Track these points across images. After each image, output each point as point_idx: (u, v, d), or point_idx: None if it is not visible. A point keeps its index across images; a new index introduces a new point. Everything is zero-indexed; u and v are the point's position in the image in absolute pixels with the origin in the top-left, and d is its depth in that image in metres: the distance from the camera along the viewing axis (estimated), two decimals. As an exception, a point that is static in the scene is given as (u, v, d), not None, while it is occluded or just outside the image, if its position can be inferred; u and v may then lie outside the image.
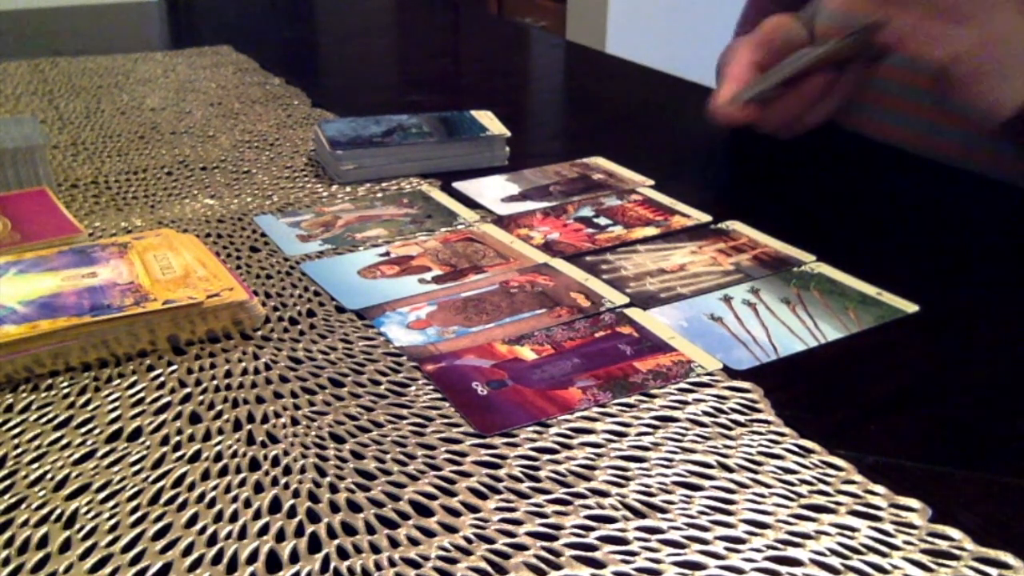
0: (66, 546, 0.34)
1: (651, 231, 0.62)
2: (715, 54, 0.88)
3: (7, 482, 0.37)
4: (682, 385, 0.44)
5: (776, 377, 0.45)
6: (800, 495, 0.37)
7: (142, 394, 0.43)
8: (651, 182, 0.71)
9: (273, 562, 0.33)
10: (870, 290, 0.53)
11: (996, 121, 0.62)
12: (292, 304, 0.52)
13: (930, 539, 0.34)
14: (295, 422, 0.41)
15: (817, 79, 0.68)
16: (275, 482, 0.37)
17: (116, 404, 0.43)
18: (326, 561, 0.33)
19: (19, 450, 0.39)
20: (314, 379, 0.45)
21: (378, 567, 0.33)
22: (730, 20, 0.98)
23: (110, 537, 0.34)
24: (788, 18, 0.72)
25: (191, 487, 0.37)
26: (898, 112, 0.81)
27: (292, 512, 0.36)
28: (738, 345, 0.47)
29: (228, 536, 0.34)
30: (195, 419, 0.42)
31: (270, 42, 1.23)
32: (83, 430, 0.41)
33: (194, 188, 0.69)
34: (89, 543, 0.34)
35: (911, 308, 0.51)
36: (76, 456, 0.39)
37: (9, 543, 0.34)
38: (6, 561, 0.33)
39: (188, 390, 0.44)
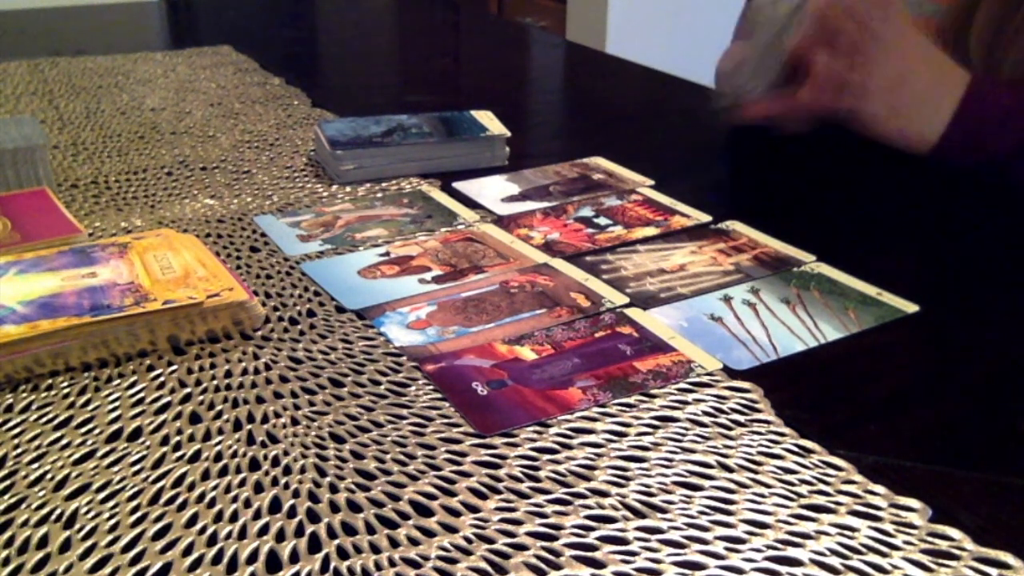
0: (66, 546, 0.34)
1: (651, 231, 0.62)
2: (715, 54, 0.88)
3: (7, 482, 0.37)
4: (682, 385, 0.44)
5: (776, 377, 0.45)
6: (800, 495, 0.37)
7: (142, 394, 0.43)
8: (651, 182, 0.71)
9: (273, 562, 0.33)
10: (870, 290, 0.53)
11: (918, 153, 0.65)
12: (292, 304, 0.52)
13: (930, 539, 0.34)
14: (295, 422, 0.41)
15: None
16: (275, 482, 0.37)
17: (116, 404, 0.43)
18: (326, 561, 0.33)
19: (19, 450, 0.39)
20: (314, 379, 0.45)
21: (378, 567, 0.33)
22: (729, 21, 0.98)
23: (110, 537, 0.34)
24: None
25: (191, 487, 0.37)
26: None
27: (292, 512, 0.36)
28: (738, 345, 0.47)
29: (228, 536, 0.34)
30: (195, 419, 0.42)
31: (270, 42, 1.23)
32: (83, 430, 0.41)
33: (194, 188, 0.69)
34: (89, 543, 0.34)
35: (911, 308, 0.51)
36: (76, 456, 0.39)
37: (9, 543, 0.34)
38: (6, 561, 0.33)
39: (188, 390, 0.44)
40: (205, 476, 0.38)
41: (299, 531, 0.35)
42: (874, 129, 0.66)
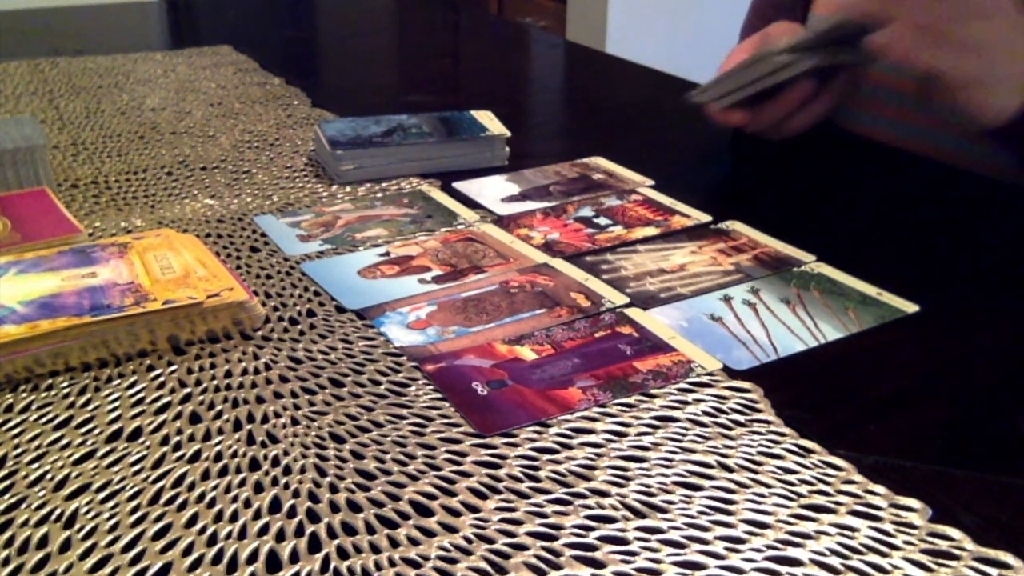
0: (66, 546, 0.34)
1: (651, 231, 0.62)
2: (715, 54, 0.88)
3: (7, 482, 0.37)
4: (682, 385, 0.44)
5: (776, 377, 0.45)
6: (800, 495, 0.37)
7: (142, 394, 0.43)
8: (651, 182, 0.71)
9: (273, 562, 0.33)
10: (870, 290, 0.53)
11: (979, 127, 0.62)
12: (292, 304, 0.52)
13: (930, 539, 0.34)
14: (295, 422, 0.41)
15: (799, 89, 0.68)
16: (275, 482, 0.37)
17: (116, 404, 0.43)
18: (326, 561, 0.33)
19: (19, 450, 0.39)
20: (314, 379, 0.45)
21: (378, 567, 0.33)
22: (730, 20, 0.98)
23: (110, 537, 0.34)
24: (792, 25, 0.73)
25: (191, 487, 0.37)
26: (886, 117, 0.81)
27: (292, 512, 0.36)
28: (738, 345, 0.47)
29: (228, 536, 0.34)
30: (195, 419, 0.42)
31: (270, 42, 1.23)
32: (83, 430, 0.41)
33: (194, 188, 0.69)
34: (89, 543, 0.34)
35: (911, 308, 0.51)
36: (76, 456, 0.39)
37: (9, 543, 0.34)
38: (6, 561, 0.33)
39: (188, 390, 0.44)
40: (205, 476, 0.38)
41: (299, 531, 0.35)
42: (937, 94, 0.61)
